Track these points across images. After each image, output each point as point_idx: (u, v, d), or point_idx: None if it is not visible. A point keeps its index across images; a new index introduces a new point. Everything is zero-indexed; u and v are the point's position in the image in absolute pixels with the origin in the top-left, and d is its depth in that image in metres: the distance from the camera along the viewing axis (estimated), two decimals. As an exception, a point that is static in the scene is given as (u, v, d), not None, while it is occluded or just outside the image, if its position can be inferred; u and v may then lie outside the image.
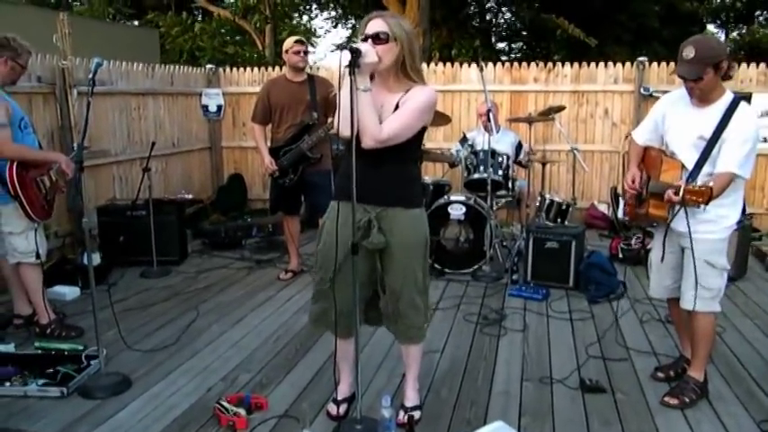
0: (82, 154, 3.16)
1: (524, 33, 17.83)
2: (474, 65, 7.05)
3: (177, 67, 7.31)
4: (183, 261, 5.69)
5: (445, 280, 5.15)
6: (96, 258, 5.17)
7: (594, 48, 12.12)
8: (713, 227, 2.94)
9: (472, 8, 16.70)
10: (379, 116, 2.58)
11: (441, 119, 5.77)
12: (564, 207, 5.69)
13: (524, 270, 5.01)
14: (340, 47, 3.21)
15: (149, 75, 6.66)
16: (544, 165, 5.67)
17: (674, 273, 3.16)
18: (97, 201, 5.74)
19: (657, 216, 3.00)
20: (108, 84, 5.97)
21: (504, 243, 5.79)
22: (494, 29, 18.08)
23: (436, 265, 5.28)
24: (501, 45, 19.56)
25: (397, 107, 2.60)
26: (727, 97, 2.92)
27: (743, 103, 2.91)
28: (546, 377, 3.37)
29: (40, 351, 3.59)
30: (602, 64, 6.94)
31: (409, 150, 2.70)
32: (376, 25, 2.57)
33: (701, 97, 2.91)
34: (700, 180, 2.88)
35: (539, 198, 5.77)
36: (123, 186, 6.17)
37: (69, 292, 4.63)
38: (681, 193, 2.70)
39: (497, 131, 6.00)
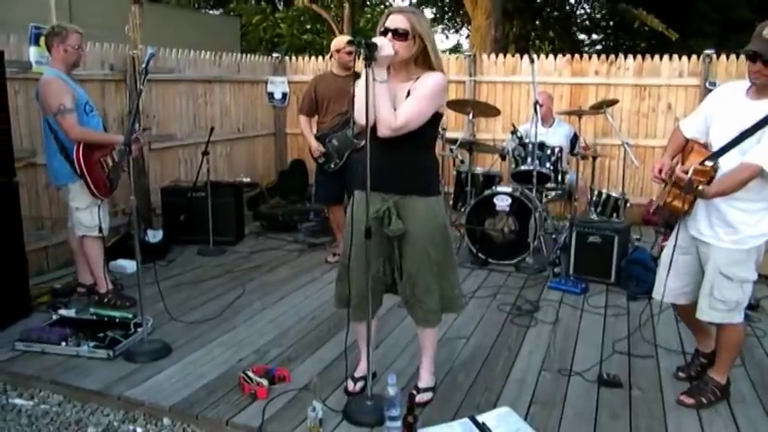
0: (130, 138, 3.43)
1: (604, 25, 17.30)
2: (526, 56, 6.99)
3: (244, 55, 7.62)
4: (239, 241, 5.98)
5: (488, 270, 5.20)
6: (159, 235, 5.55)
7: (678, 40, 11.64)
8: (734, 235, 2.76)
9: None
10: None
11: (490, 110, 5.81)
12: (620, 202, 5.58)
13: (566, 263, 4.99)
14: (356, 41, 3.33)
15: (216, 63, 6.98)
16: (595, 158, 5.59)
17: (686, 276, 3.01)
18: (162, 182, 6.11)
19: (675, 207, 2.82)
20: (176, 71, 6.32)
21: (554, 236, 5.77)
22: (574, 20, 17.62)
23: (480, 255, 5.34)
24: (582, 37, 19.05)
25: (408, 95, 2.71)
26: None
27: None
28: (565, 369, 3.40)
29: (94, 317, 3.92)
30: (666, 57, 6.73)
31: (424, 138, 2.80)
32: (397, 21, 2.68)
33: (762, 87, 2.66)
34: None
35: (589, 192, 5.70)
36: (188, 169, 6.51)
37: (130, 265, 4.96)
38: (689, 173, 2.51)
39: (552, 124, 6.00)
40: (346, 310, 2.92)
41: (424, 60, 2.74)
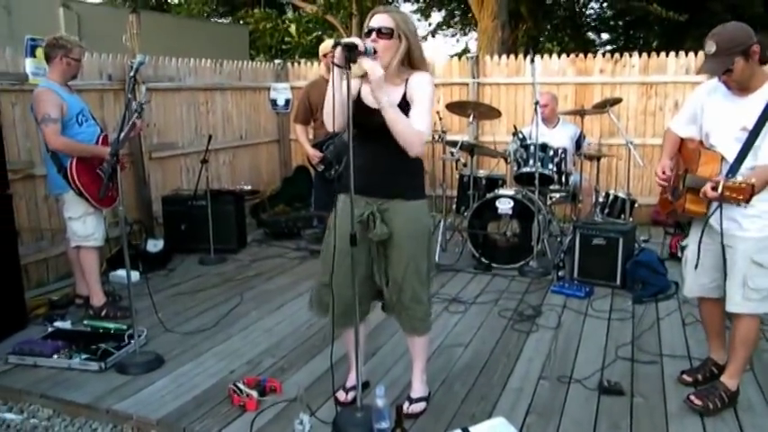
0: (118, 146, 3.38)
1: (613, 24, 17.12)
2: (528, 57, 6.91)
3: (245, 62, 7.58)
4: (240, 249, 5.93)
5: (491, 274, 5.11)
6: (159, 245, 5.52)
7: (691, 39, 11.46)
8: (759, 222, 2.74)
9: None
10: (377, 110, 2.59)
11: (492, 112, 5.72)
12: (627, 203, 5.46)
13: (570, 267, 4.88)
14: (336, 43, 3.29)
15: (217, 70, 6.95)
16: (599, 159, 5.48)
17: (713, 271, 2.98)
18: (164, 190, 6.09)
19: (695, 212, 2.87)
20: (176, 80, 6.30)
21: (558, 239, 5.66)
22: (583, 20, 17.45)
23: (483, 260, 5.25)
24: (592, 37, 18.85)
25: (403, 98, 2.64)
26: None
27: None
28: (565, 376, 3.30)
29: (89, 329, 3.89)
30: (672, 53, 6.59)
31: None
32: (381, 20, 2.61)
33: (740, 87, 2.76)
34: (741, 175, 2.69)
35: (594, 193, 5.59)
36: (191, 177, 6.46)
37: (131, 275, 4.93)
38: (720, 189, 2.54)
39: (555, 125, 5.90)
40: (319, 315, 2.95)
41: (409, 60, 2.67)
